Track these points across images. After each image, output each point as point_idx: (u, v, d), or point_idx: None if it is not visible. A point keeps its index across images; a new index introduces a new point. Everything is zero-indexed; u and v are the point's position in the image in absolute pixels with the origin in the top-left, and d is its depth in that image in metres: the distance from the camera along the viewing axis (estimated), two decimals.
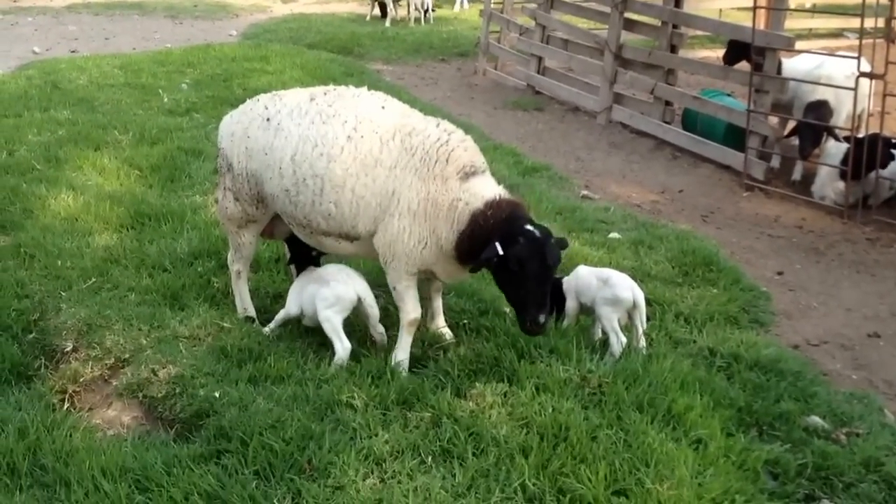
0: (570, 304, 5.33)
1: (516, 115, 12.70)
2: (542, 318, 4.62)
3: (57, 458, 4.03)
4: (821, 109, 8.88)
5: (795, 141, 9.39)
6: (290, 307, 5.23)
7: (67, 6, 22.41)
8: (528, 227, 4.60)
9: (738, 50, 10.08)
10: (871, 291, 6.90)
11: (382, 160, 4.79)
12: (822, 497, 4.17)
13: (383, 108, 5.04)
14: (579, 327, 5.40)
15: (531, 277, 4.57)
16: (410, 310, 4.97)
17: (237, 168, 5.26)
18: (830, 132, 8.82)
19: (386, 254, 4.87)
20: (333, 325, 4.93)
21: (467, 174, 4.75)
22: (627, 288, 5.13)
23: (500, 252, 4.51)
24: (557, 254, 4.66)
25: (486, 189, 4.76)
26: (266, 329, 5.35)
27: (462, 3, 23.81)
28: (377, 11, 21.16)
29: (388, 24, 19.96)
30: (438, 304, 5.38)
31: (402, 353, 4.96)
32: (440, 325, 5.37)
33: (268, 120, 5.14)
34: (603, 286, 5.16)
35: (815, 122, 8.85)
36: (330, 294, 4.96)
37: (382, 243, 4.84)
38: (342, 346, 4.89)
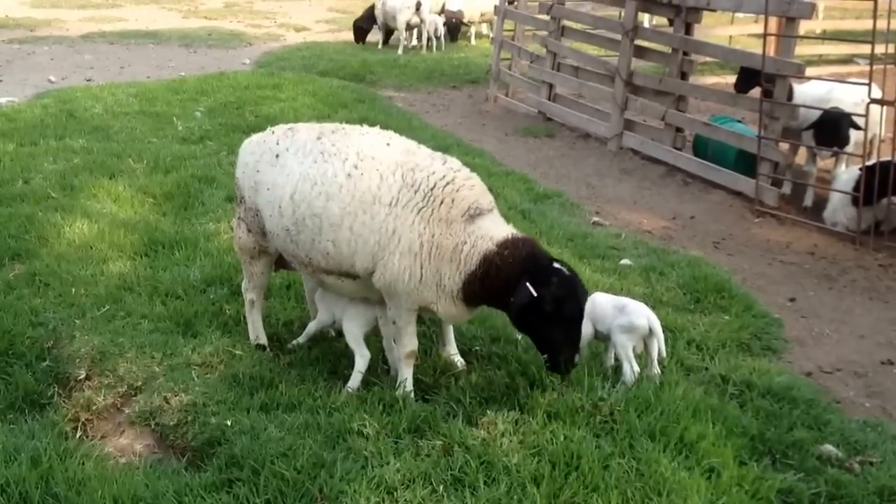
0: (585, 330, 5.31)
1: (527, 142, 12.73)
2: (577, 358, 4.62)
3: (69, 486, 4.04)
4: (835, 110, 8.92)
5: (806, 165, 9.41)
6: (323, 316, 5.43)
7: (83, 35, 22.60)
8: (557, 264, 4.58)
9: (749, 77, 10.09)
10: (883, 318, 6.87)
11: (381, 197, 4.72)
12: None
13: (388, 145, 4.96)
14: (591, 354, 5.40)
15: (569, 318, 4.55)
16: (407, 343, 4.96)
17: (248, 201, 5.29)
18: (852, 123, 8.76)
19: (386, 292, 4.86)
20: (356, 336, 5.16)
21: (472, 215, 4.69)
22: (643, 316, 5.13)
23: (534, 294, 4.45)
24: (586, 291, 4.71)
25: (495, 229, 4.72)
26: (294, 343, 5.59)
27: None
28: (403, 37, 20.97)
29: (400, 51, 20.08)
30: (450, 330, 5.38)
31: (405, 384, 4.97)
32: (451, 352, 5.36)
33: (277, 156, 5.12)
34: (619, 314, 5.16)
35: (837, 115, 8.84)
36: (355, 311, 5.19)
37: (383, 282, 4.79)
38: (361, 355, 5.10)
